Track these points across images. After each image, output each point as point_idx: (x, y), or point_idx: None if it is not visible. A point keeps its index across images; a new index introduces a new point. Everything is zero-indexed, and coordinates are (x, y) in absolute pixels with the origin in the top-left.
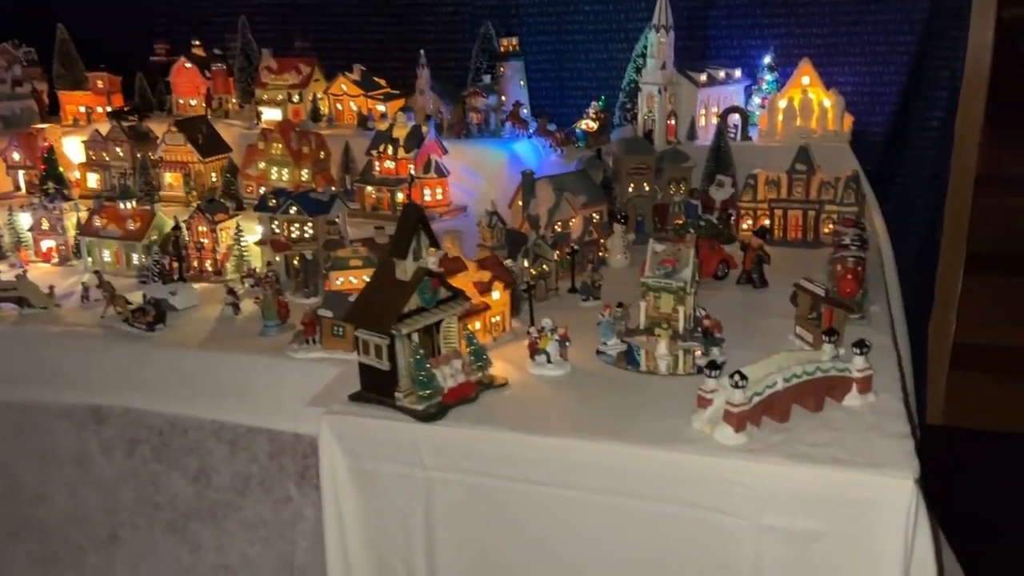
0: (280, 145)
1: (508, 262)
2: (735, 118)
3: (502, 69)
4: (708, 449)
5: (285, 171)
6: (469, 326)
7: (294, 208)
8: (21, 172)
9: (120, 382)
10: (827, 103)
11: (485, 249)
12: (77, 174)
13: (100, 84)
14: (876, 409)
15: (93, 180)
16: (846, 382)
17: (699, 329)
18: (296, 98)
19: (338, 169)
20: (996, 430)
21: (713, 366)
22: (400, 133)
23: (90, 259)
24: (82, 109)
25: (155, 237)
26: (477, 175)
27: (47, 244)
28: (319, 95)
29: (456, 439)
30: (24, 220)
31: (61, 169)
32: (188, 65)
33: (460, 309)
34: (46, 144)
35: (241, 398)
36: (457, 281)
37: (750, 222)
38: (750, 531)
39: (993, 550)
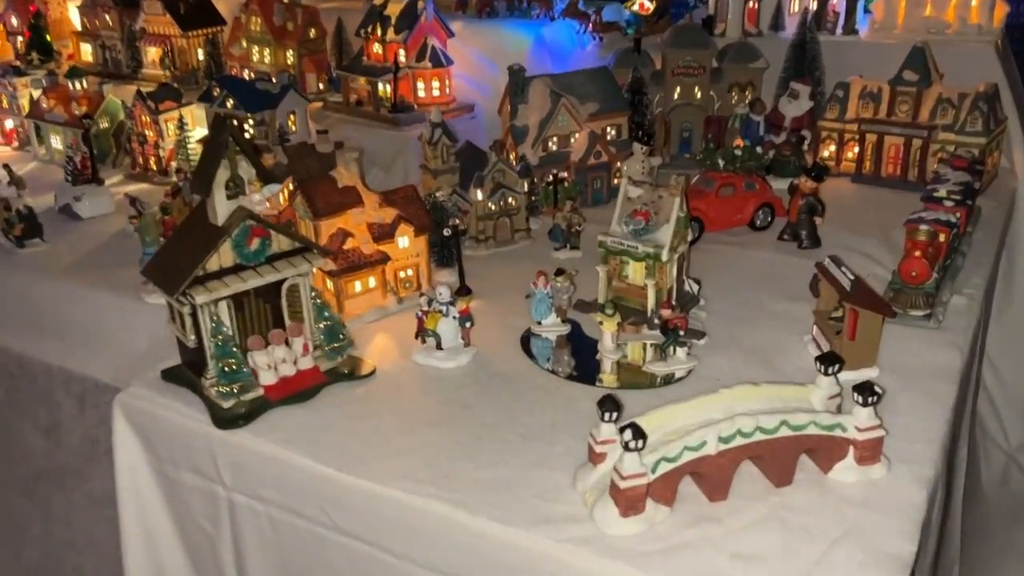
0: (259, 19)
1: (452, 194)
2: (839, 1)
3: None
4: (577, 538)
5: (267, 51)
6: (359, 283)
7: (231, 101)
8: (19, 39)
9: None
10: None
11: (428, 174)
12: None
13: None
14: (881, 496)
15: (88, 52)
16: (838, 444)
17: (657, 319)
18: None
19: (331, 51)
20: None
21: (610, 405)
22: (394, 10)
23: (40, 146)
24: None
25: (105, 124)
26: (495, 65)
27: (9, 124)
28: None
29: (254, 460)
30: None
31: (49, 38)
32: None
33: (304, 268)
34: (33, 8)
35: (90, 345)
36: (348, 221)
37: (833, 149)
38: None
39: None
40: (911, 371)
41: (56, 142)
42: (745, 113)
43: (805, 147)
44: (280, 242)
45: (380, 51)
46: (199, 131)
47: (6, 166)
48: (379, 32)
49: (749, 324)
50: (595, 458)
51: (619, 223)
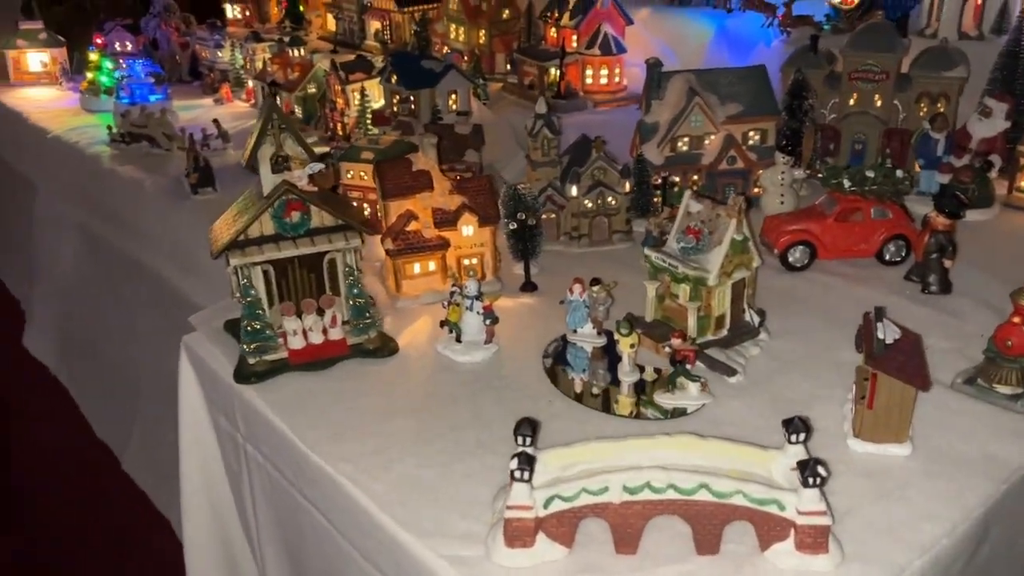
0: None
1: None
2: None
3: None
4: (458, 558)
5: (461, 30)
6: (418, 265)
7: (394, 77)
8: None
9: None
10: None
11: (532, 166)
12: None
13: None
14: None
15: (331, 22)
16: (775, 522)
17: (668, 348)
18: None
19: (522, 33)
20: None
21: (525, 429)
22: None
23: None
24: None
25: (312, 90)
26: (674, 56)
27: (250, 84)
28: None
29: (256, 417)
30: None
31: (302, 8)
32: None
33: (341, 245)
34: None
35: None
36: (416, 204)
37: None
38: None
39: None
40: (955, 458)
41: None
42: (924, 129)
43: (993, 174)
44: (323, 217)
45: (555, 36)
46: (379, 104)
47: (215, 120)
48: (556, 16)
49: (799, 371)
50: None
51: (674, 238)
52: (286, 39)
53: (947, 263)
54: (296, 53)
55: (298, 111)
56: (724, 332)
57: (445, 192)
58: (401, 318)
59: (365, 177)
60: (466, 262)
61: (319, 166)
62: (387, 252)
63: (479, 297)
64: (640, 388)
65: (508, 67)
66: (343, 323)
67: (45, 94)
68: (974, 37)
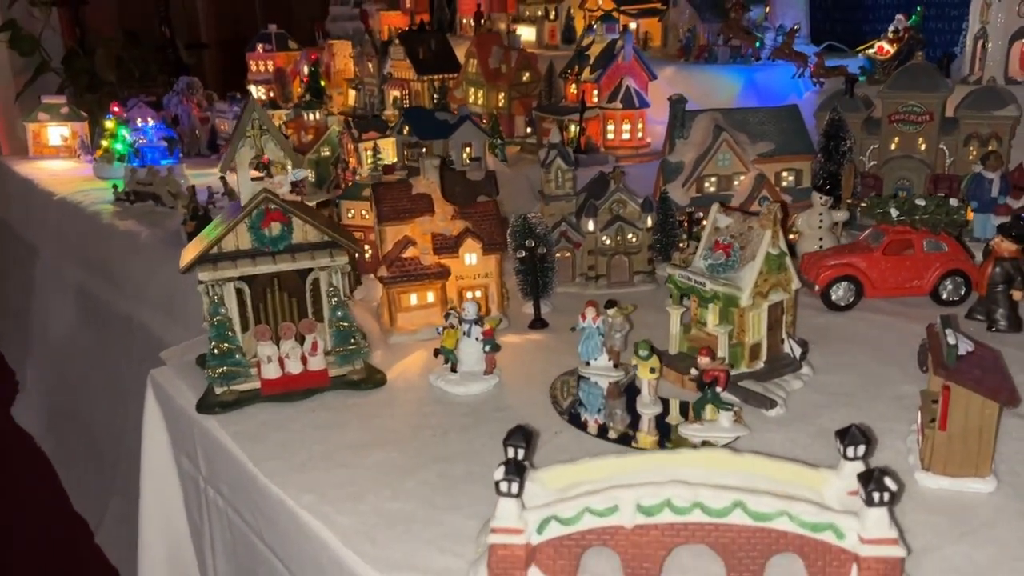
0: (475, 61)
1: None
2: None
3: None
4: None
5: (480, 93)
6: (415, 296)
7: (407, 129)
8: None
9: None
10: None
11: (545, 200)
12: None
13: (408, 3)
14: None
15: (352, 96)
16: (832, 554)
17: (694, 371)
18: (552, 15)
19: (542, 94)
20: None
21: (518, 438)
22: (596, 50)
23: None
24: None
25: (326, 152)
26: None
27: None
28: (573, 11)
29: (216, 451)
30: None
31: (323, 83)
32: None
33: (324, 262)
34: (314, 57)
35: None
36: (415, 230)
37: None
38: None
39: None
40: None
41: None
42: (976, 170)
43: None
44: (307, 232)
45: (576, 91)
46: (388, 160)
47: (222, 177)
48: (577, 71)
49: (848, 404)
50: None
51: (701, 255)
52: (324, 112)
53: (1016, 295)
54: (311, 117)
55: (311, 175)
56: (760, 364)
57: (447, 216)
58: (393, 353)
59: (367, 216)
60: (468, 295)
61: (304, 172)
62: (381, 280)
63: (478, 322)
64: (664, 431)
65: (528, 130)
66: (325, 353)
67: (62, 166)
68: (1021, 82)
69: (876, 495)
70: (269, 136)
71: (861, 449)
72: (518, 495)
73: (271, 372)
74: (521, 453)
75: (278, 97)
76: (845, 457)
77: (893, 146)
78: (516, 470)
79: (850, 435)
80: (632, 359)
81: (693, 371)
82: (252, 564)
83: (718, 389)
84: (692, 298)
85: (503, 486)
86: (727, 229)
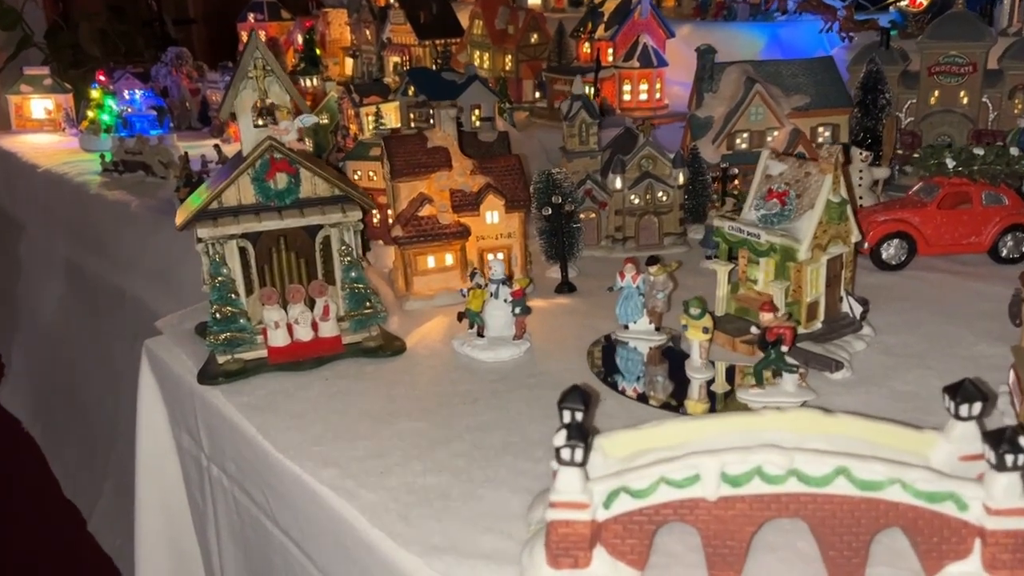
0: (481, 23)
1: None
2: None
3: None
4: None
5: (486, 56)
6: (432, 258)
7: (411, 89)
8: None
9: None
10: None
11: (567, 156)
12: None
13: None
14: None
15: (349, 65)
16: (951, 529)
17: (755, 330)
18: None
19: (551, 57)
20: None
21: (575, 398)
22: (611, 7)
23: None
24: None
25: (324, 120)
26: None
27: None
28: None
29: (221, 425)
30: None
31: (319, 51)
32: None
33: (336, 218)
34: (308, 24)
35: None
36: (431, 186)
37: None
38: None
39: None
40: None
41: None
42: (1019, 129)
43: None
44: (316, 185)
45: (589, 51)
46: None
47: (216, 146)
48: (590, 29)
49: (919, 365)
50: None
51: (751, 206)
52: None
53: None
54: (309, 83)
55: (309, 143)
56: (818, 325)
57: (466, 171)
58: (410, 320)
59: (375, 177)
60: (491, 256)
61: (312, 119)
62: (396, 241)
63: (506, 282)
64: (712, 400)
65: (537, 94)
66: (338, 318)
67: (46, 139)
68: None
69: (1010, 458)
70: (274, 77)
71: (978, 407)
72: (582, 464)
73: (279, 339)
74: (580, 416)
75: None
76: (957, 416)
77: (933, 100)
78: (580, 434)
79: (963, 390)
80: (681, 319)
81: (754, 329)
82: (263, 549)
83: (783, 348)
84: (741, 252)
85: (565, 453)
86: (780, 176)
